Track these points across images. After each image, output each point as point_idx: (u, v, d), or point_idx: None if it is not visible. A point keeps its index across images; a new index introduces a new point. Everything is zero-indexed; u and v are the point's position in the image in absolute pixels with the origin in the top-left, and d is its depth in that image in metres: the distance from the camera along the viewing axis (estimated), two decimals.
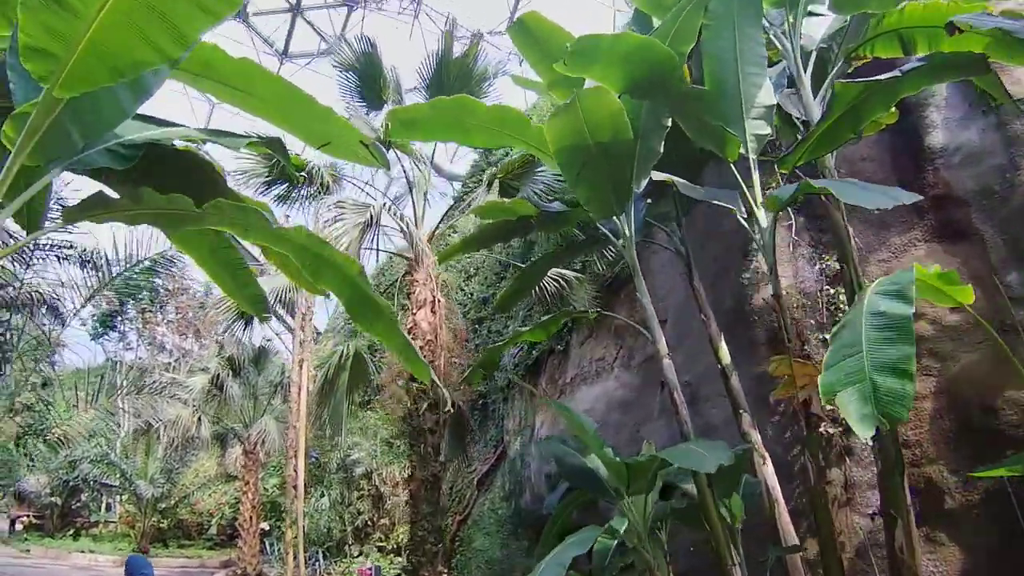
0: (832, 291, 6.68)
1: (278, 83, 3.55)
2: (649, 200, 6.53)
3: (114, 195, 3.34)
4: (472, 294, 15.34)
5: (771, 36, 5.54)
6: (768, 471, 5.29)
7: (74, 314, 12.47)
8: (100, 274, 11.58)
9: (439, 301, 9.08)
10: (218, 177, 3.81)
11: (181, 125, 3.80)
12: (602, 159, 5.45)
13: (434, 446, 8.66)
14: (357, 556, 17.92)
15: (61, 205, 8.12)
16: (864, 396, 3.17)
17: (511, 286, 8.01)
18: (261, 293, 4.61)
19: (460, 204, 11.62)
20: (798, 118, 5.93)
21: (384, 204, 9.33)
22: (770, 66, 5.50)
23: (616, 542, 5.73)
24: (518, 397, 13.08)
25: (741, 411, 5.54)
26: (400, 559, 15.14)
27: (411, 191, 9.44)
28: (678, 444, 5.45)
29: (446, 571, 9.07)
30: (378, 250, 9.43)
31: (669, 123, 5.54)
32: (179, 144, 3.78)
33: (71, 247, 11.20)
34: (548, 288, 9.36)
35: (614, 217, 6.01)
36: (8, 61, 2.78)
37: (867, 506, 6.09)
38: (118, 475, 24.51)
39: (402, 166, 9.40)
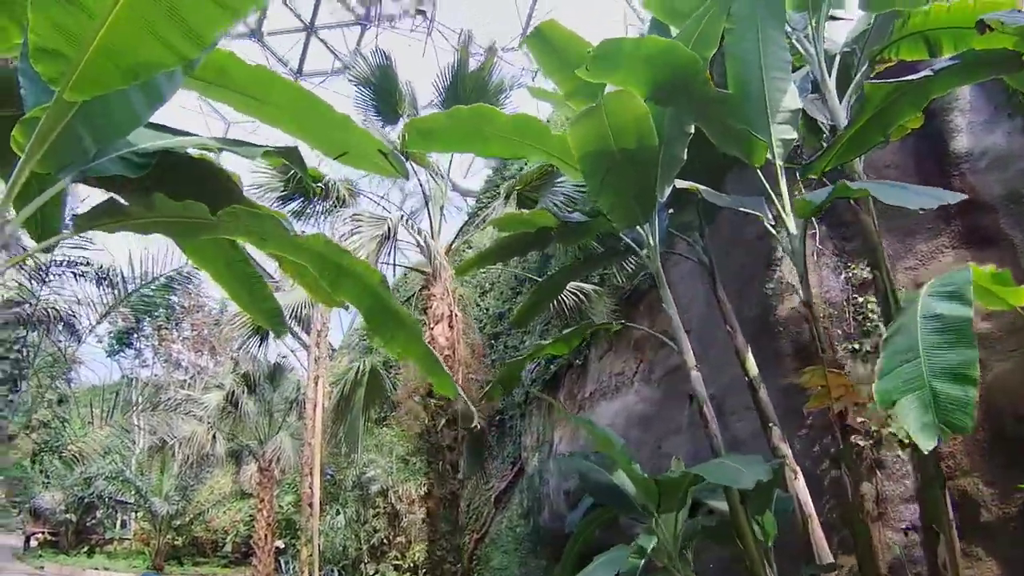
0: (860, 300, 6.52)
1: (295, 90, 3.48)
2: (671, 210, 6.40)
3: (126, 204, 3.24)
4: (488, 309, 15.25)
5: (793, 40, 5.43)
6: (800, 485, 5.09)
7: (90, 331, 12.49)
8: (116, 291, 11.62)
9: (456, 316, 8.98)
10: (234, 186, 3.68)
11: (195, 135, 3.71)
12: (627, 165, 5.33)
13: (452, 463, 8.54)
14: (373, 575, 17.70)
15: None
16: (924, 404, 3.00)
17: (528, 300, 7.87)
18: (277, 307, 4.50)
19: (475, 219, 11.53)
20: (823, 123, 5.81)
21: (401, 217, 9.26)
22: (791, 72, 5.38)
23: (643, 561, 5.55)
24: (536, 413, 12.91)
25: (771, 424, 5.34)
26: None
27: (427, 204, 9.37)
28: (706, 459, 5.28)
29: None
30: (395, 264, 9.36)
31: (692, 130, 5.42)
32: (193, 153, 3.69)
33: (87, 264, 11.23)
34: (566, 302, 9.25)
35: (637, 227, 5.89)
36: (20, 66, 2.70)
37: (900, 520, 5.92)
38: (133, 492, 24.43)
39: (418, 179, 9.37)
